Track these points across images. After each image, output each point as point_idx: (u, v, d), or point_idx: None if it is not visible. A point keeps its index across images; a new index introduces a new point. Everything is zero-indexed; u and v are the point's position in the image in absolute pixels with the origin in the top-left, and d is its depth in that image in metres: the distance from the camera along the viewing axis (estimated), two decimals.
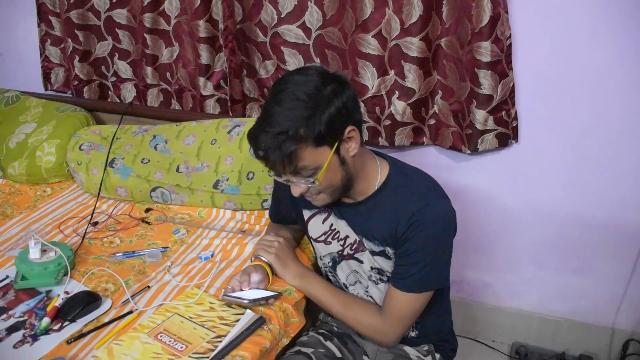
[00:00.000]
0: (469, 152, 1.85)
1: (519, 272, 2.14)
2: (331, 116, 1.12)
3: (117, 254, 1.57)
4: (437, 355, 1.43)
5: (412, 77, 1.80)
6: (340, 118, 1.14)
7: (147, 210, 1.83)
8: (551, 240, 2.03)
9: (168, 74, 2.16)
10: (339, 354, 1.41)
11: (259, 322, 1.27)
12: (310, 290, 1.38)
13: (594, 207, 1.92)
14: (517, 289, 2.18)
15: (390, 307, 1.30)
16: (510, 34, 1.70)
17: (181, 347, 1.20)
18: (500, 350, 2.23)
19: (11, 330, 1.27)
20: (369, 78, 1.83)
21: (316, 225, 1.42)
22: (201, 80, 2.02)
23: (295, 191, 1.21)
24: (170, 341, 1.22)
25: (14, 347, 1.22)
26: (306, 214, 1.43)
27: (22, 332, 1.26)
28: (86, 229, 1.67)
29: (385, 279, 1.34)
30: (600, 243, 1.97)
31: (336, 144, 1.16)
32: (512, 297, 2.20)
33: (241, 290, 1.33)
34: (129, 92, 2.27)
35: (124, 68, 2.24)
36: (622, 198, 1.87)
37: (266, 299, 1.32)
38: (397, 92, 1.84)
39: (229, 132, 1.80)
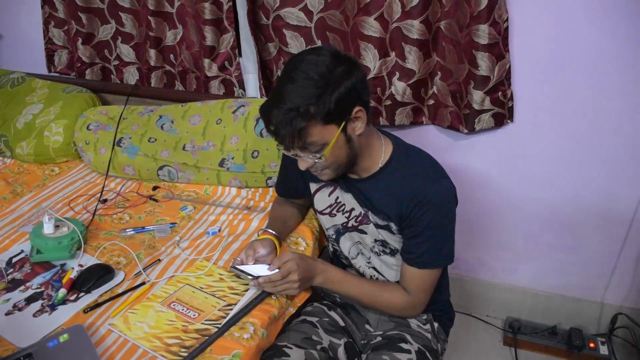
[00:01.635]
0: (466, 131, 1.91)
1: (513, 249, 2.20)
2: (340, 96, 1.18)
3: (127, 230, 1.62)
4: (436, 324, 1.50)
5: (412, 59, 1.85)
6: (349, 98, 1.19)
7: (155, 188, 1.89)
8: (545, 218, 2.09)
9: (172, 56, 2.19)
10: (342, 323, 1.47)
11: (267, 292, 1.33)
12: (335, 288, 1.41)
13: (587, 186, 1.98)
14: (511, 266, 2.24)
15: (413, 285, 1.38)
16: (507, 17, 1.74)
17: (194, 315, 1.26)
18: (494, 325, 2.30)
19: (30, 300, 1.33)
20: (371, 60, 1.87)
21: (322, 198, 1.47)
22: (206, 61, 2.06)
23: (302, 165, 1.27)
24: (183, 309, 1.28)
25: (34, 316, 1.28)
26: (313, 187, 1.49)
27: (40, 302, 1.32)
28: (96, 206, 1.73)
29: (388, 251, 1.41)
30: (592, 221, 2.03)
31: (343, 123, 1.21)
32: (507, 273, 2.27)
33: (248, 264, 1.38)
34: (131, 76, 2.31)
35: (126, 52, 2.27)
36: (614, 177, 1.93)
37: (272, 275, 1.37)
38: (397, 73, 1.89)
39: (234, 112, 1.85)
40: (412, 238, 1.32)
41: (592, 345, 2.10)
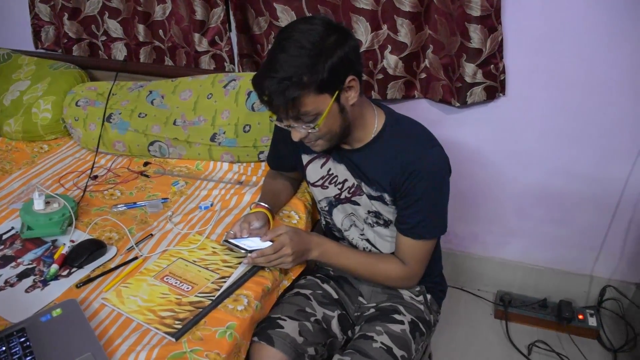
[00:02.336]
0: (458, 104, 1.90)
1: (504, 223, 2.22)
2: (333, 65, 1.16)
3: (119, 206, 1.61)
4: (429, 296, 1.51)
5: (404, 32, 1.84)
6: (342, 67, 1.18)
7: (146, 164, 1.87)
8: (536, 192, 2.10)
9: (161, 31, 2.16)
10: (335, 295, 1.48)
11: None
12: (331, 262, 1.41)
13: (578, 159, 1.99)
14: (503, 240, 2.26)
15: (409, 255, 1.38)
16: None
17: (187, 288, 1.26)
18: (485, 298, 2.33)
19: (21, 276, 1.32)
20: (362, 33, 1.86)
21: (314, 170, 1.47)
22: (196, 36, 2.04)
23: (296, 136, 1.26)
24: (176, 283, 1.28)
25: (26, 291, 1.27)
26: (305, 158, 1.48)
27: (32, 277, 1.32)
28: (87, 182, 1.71)
29: (381, 222, 1.41)
30: (582, 194, 2.05)
31: (337, 93, 1.21)
32: (498, 247, 2.29)
33: (241, 237, 1.38)
34: (119, 52, 2.28)
35: (114, 27, 2.24)
36: (605, 151, 1.94)
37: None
38: (389, 47, 1.88)
39: (224, 87, 1.83)
40: (406, 208, 1.32)
41: (581, 317, 2.13)
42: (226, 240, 1.36)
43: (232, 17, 2.01)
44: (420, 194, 1.29)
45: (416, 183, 1.28)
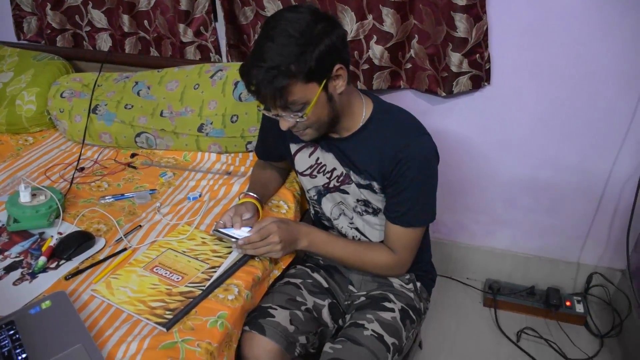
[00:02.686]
0: (444, 94, 1.91)
1: (492, 213, 2.23)
2: (321, 54, 1.16)
3: (106, 197, 1.60)
4: (418, 284, 1.52)
5: (389, 22, 1.83)
6: (330, 56, 1.18)
7: (133, 155, 1.86)
8: (524, 181, 2.12)
9: (146, 21, 2.14)
10: (325, 285, 1.49)
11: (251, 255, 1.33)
12: (320, 251, 1.41)
13: (563, 149, 2.00)
14: (491, 229, 2.28)
15: (398, 243, 1.38)
16: None
17: (177, 278, 1.26)
18: (474, 287, 2.35)
19: (9, 269, 1.31)
20: (348, 22, 1.85)
21: (303, 159, 1.47)
22: (181, 27, 2.02)
23: (284, 125, 1.26)
24: (166, 273, 1.27)
25: (14, 284, 1.26)
26: (293, 148, 1.48)
27: (19, 270, 1.30)
28: (73, 174, 1.70)
29: (370, 210, 1.41)
30: (568, 184, 2.07)
31: (324, 81, 1.20)
32: (486, 236, 2.30)
33: (232, 227, 1.38)
34: (104, 42, 2.25)
35: (98, 17, 2.21)
36: (590, 141, 1.96)
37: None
38: (375, 37, 1.87)
39: (211, 77, 1.82)
40: (395, 196, 1.33)
41: (568, 304, 2.16)
42: (216, 230, 1.36)
43: (218, 7, 2.00)
44: (408, 182, 1.30)
45: (405, 171, 1.28)
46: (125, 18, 2.12)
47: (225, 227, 1.36)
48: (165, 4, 2.05)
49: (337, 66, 1.21)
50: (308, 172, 1.46)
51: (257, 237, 1.28)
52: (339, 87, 1.24)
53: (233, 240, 1.32)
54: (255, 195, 1.45)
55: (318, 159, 1.43)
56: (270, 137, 1.54)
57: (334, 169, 1.41)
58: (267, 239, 1.29)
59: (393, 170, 1.30)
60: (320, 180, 1.45)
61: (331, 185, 1.43)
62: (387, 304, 1.40)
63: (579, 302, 2.17)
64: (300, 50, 1.14)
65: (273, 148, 1.56)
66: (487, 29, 1.81)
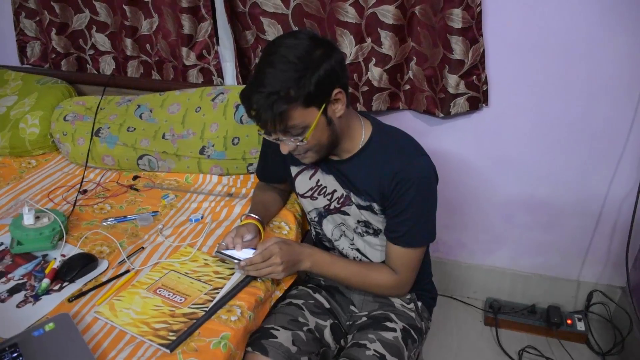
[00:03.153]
0: (442, 115, 1.93)
1: (491, 231, 2.24)
2: (320, 78, 1.19)
3: (109, 219, 1.61)
4: (419, 303, 1.52)
5: (388, 44, 1.87)
6: (329, 80, 1.21)
7: (135, 177, 1.87)
8: (522, 199, 2.13)
9: (148, 45, 2.17)
10: (327, 305, 1.49)
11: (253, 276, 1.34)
12: (323, 272, 1.42)
13: (561, 167, 2.02)
14: (490, 247, 2.29)
15: (399, 264, 1.40)
16: (480, 2, 1.76)
17: (180, 300, 1.27)
18: (475, 306, 2.35)
19: (12, 291, 1.31)
20: (347, 45, 1.88)
21: (303, 182, 1.48)
22: (184, 50, 2.05)
23: (284, 149, 1.28)
24: (169, 295, 1.28)
25: (17, 306, 1.26)
26: (294, 170, 1.50)
27: (23, 293, 1.31)
28: (76, 197, 1.71)
29: (371, 231, 1.43)
30: (567, 201, 2.08)
31: (324, 105, 1.23)
32: (486, 255, 2.31)
33: (234, 248, 1.39)
34: (107, 65, 2.29)
35: (102, 41, 2.25)
36: (587, 157, 1.98)
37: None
38: (373, 59, 1.91)
39: (213, 100, 1.85)
40: (395, 217, 1.34)
41: (569, 322, 2.16)
42: (218, 252, 1.37)
43: (221, 31, 2.03)
44: (408, 202, 1.31)
45: (404, 192, 1.30)
46: (128, 42, 2.16)
47: (227, 249, 1.37)
48: (167, 28, 2.08)
49: (336, 90, 1.23)
50: (309, 194, 1.48)
51: (259, 259, 1.30)
52: (338, 111, 1.27)
53: (235, 261, 1.33)
54: (256, 217, 1.47)
55: (318, 181, 1.45)
56: (271, 160, 1.56)
57: (335, 190, 1.42)
58: (269, 260, 1.30)
59: (393, 191, 1.32)
60: (321, 202, 1.46)
61: (332, 207, 1.45)
62: (388, 324, 1.41)
63: (580, 320, 2.17)
64: (299, 75, 1.17)
65: (274, 170, 1.58)
66: (483, 50, 1.84)
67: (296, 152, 1.31)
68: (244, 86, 1.87)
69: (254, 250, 1.36)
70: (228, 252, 1.36)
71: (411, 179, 1.30)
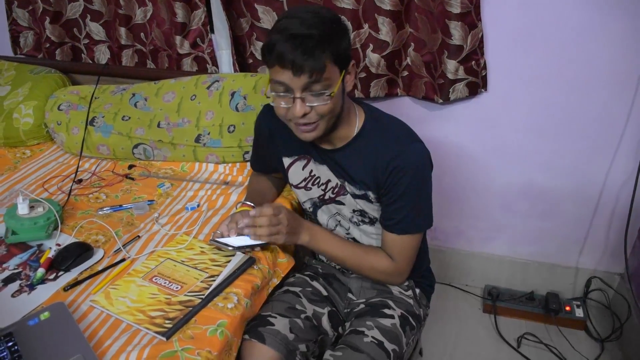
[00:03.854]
0: (441, 101, 1.92)
1: (490, 218, 2.24)
2: (347, 43, 1.22)
3: (105, 208, 1.60)
4: (417, 290, 1.52)
5: (385, 30, 1.85)
6: (349, 48, 1.24)
7: (130, 167, 1.86)
8: (520, 187, 2.12)
9: (142, 34, 2.15)
10: (325, 292, 1.49)
11: (250, 262, 1.33)
12: (320, 248, 1.41)
13: (559, 154, 2.01)
14: (489, 235, 2.28)
15: (395, 251, 1.38)
16: None
17: (176, 287, 1.26)
18: (473, 293, 2.35)
19: (7, 281, 1.30)
20: (348, 36, 1.86)
21: (296, 172, 1.47)
22: (177, 39, 2.03)
23: (300, 109, 1.21)
24: (165, 283, 1.27)
25: (12, 296, 1.25)
26: (286, 161, 1.48)
27: (18, 282, 1.30)
28: (71, 186, 1.70)
29: (367, 220, 1.41)
30: (565, 188, 2.08)
31: (344, 72, 1.23)
32: (484, 242, 2.31)
33: (229, 236, 1.38)
34: (102, 54, 2.27)
35: (96, 30, 2.23)
36: (585, 144, 1.97)
37: (252, 247, 1.38)
38: (371, 45, 1.89)
39: (208, 88, 1.83)
40: (390, 204, 1.33)
41: (568, 308, 2.16)
42: (213, 240, 1.36)
43: (215, 18, 2.01)
44: (403, 189, 1.30)
45: (399, 178, 1.29)
46: (122, 31, 2.14)
47: (222, 237, 1.36)
48: (161, 17, 2.06)
49: (352, 62, 1.25)
50: (302, 184, 1.47)
51: (269, 211, 1.29)
52: (349, 84, 1.27)
53: (230, 248, 1.32)
54: (252, 204, 1.46)
55: (312, 171, 1.43)
56: (263, 151, 1.55)
57: (329, 180, 1.41)
58: (277, 217, 1.30)
59: (387, 179, 1.30)
60: (315, 192, 1.45)
61: (326, 197, 1.44)
62: (386, 311, 1.40)
63: (578, 306, 2.17)
64: (332, 32, 1.18)
65: (267, 161, 1.57)
66: (482, 36, 1.82)
67: (307, 119, 1.24)
68: (239, 74, 1.89)
69: (248, 237, 1.35)
70: (223, 240, 1.35)
71: (406, 166, 1.28)
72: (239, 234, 1.37)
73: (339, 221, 1.47)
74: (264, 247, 1.40)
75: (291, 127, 1.29)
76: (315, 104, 1.21)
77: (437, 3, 1.77)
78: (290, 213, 1.34)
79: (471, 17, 1.77)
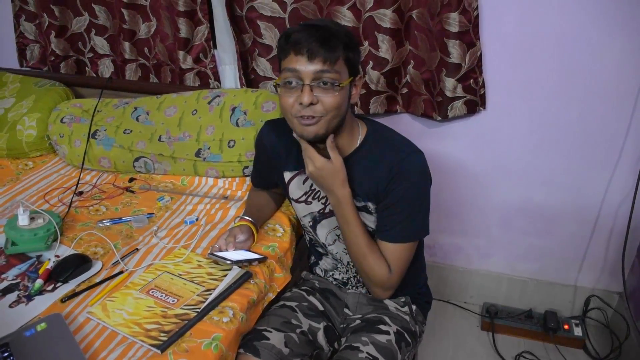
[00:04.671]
0: (439, 118, 1.93)
1: (488, 235, 2.24)
2: (357, 54, 1.28)
3: (104, 221, 1.61)
4: (414, 307, 1.52)
5: (385, 48, 1.87)
6: (359, 62, 1.30)
7: (131, 180, 1.88)
8: (519, 204, 2.13)
9: (146, 48, 2.18)
10: (321, 307, 1.49)
11: (246, 277, 1.34)
12: (340, 218, 1.36)
13: (558, 171, 2.02)
14: (487, 252, 2.28)
15: (389, 262, 1.36)
16: (477, 5, 1.77)
17: (173, 301, 1.26)
18: (472, 311, 2.34)
19: (5, 292, 1.31)
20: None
21: (297, 186, 1.48)
22: (181, 53, 2.06)
23: (308, 97, 1.22)
24: (162, 296, 1.28)
25: (10, 306, 1.26)
26: (287, 175, 1.49)
27: (16, 293, 1.31)
28: (72, 198, 1.71)
29: None
30: (563, 205, 2.08)
31: (351, 78, 1.27)
32: (482, 259, 2.31)
33: (227, 250, 1.39)
34: (106, 68, 2.29)
35: (100, 44, 2.26)
36: (584, 162, 1.98)
37: (249, 261, 1.39)
38: (371, 62, 1.91)
39: (209, 103, 1.85)
40: (384, 210, 1.34)
41: (566, 327, 2.15)
42: (211, 254, 1.37)
43: (219, 33, 2.03)
44: (399, 197, 1.31)
45: (398, 184, 1.31)
46: (126, 45, 2.17)
47: (220, 251, 1.37)
48: (165, 32, 2.09)
49: (360, 75, 1.30)
50: (303, 198, 1.48)
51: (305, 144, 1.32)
52: (355, 97, 1.31)
53: (228, 262, 1.34)
54: (250, 219, 1.47)
55: (312, 185, 1.45)
56: (264, 166, 1.56)
57: None
58: (310, 154, 1.32)
59: (388, 185, 1.32)
60: (316, 206, 1.46)
61: (327, 210, 1.45)
62: (382, 327, 1.40)
63: (577, 325, 2.17)
64: (347, 36, 1.25)
65: (267, 176, 1.58)
66: (480, 54, 1.84)
67: (312, 112, 1.24)
68: (241, 89, 1.91)
69: (246, 251, 1.36)
70: (221, 254, 1.36)
71: (405, 174, 1.30)
72: (237, 249, 1.39)
73: (338, 235, 1.48)
74: (261, 261, 1.41)
75: (293, 125, 1.29)
76: (322, 96, 1.23)
77: (436, 22, 1.79)
78: (328, 167, 1.30)
79: (469, 36, 1.79)
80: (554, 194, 2.07)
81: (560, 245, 2.16)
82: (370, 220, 1.40)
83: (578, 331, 2.14)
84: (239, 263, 1.37)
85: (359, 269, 1.43)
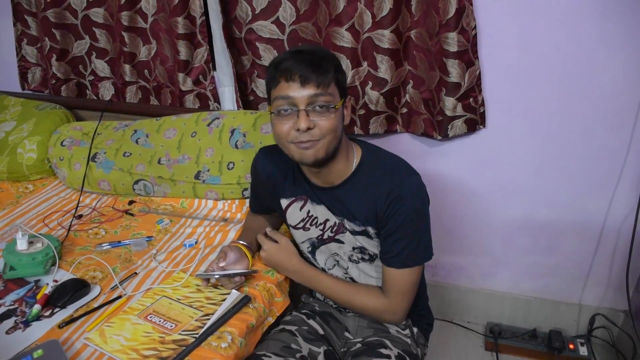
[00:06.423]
0: (439, 138, 1.93)
1: (490, 254, 2.22)
2: (344, 77, 1.30)
3: (103, 244, 1.61)
4: (415, 329, 1.50)
5: (384, 68, 1.88)
6: (346, 84, 1.31)
7: (130, 202, 1.88)
8: (520, 222, 2.11)
9: (146, 71, 2.19)
10: (321, 331, 1.47)
11: (245, 301, 1.33)
12: (312, 284, 1.46)
13: (559, 189, 2.01)
14: (490, 271, 2.26)
15: (390, 286, 1.37)
16: (475, 25, 1.78)
17: (171, 326, 1.25)
18: (475, 331, 2.32)
19: (2, 317, 1.31)
20: (344, 69, 1.89)
21: (294, 213, 1.48)
22: (180, 76, 2.07)
23: (304, 122, 1.22)
24: (160, 321, 1.27)
25: (7, 333, 1.25)
26: (284, 202, 1.49)
27: (13, 319, 1.30)
28: (71, 222, 1.71)
29: (366, 257, 1.41)
30: (566, 223, 2.06)
31: (343, 100, 1.28)
32: (485, 278, 2.29)
33: (214, 270, 1.39)
34: (107, 90, 2.31)
35: (101, 66, 2.27)
36: (586, 179, 1.96)
37: (238, 274, 1.38)
38: (370, 83, 1.91)
39: (208, 125, 1.86)
40: (388, 237, 1.33)
41: (571, 346, 2.12)
42: (199, 274, 1.39)
43: (219, 55, 2.04)
44: (401, 221, 1.30)
45: (397, 210, 1.29)
46: (127, 67, 2.18)
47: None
48: (165, 54, 2.11)
49: (349, 97, 1.32)
50: (301, 225, 1.47)
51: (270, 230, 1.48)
52: (346, 117, 1.32)
53: (216, 276, 1.36)
54: (243, 243, 1.47)
55: (309, 212, 1.44)
56: (261, 193, 1.57)
57: (327, 220, 1.41)
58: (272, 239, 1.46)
59: (386, 210, 1.30)
60: (314, 232, 1.46)
61: (325, 236, 1.44)
62: (383, 351, 1.38)
63: (582, 344, 2.14)
64: (335, 60, 1.28)
65: (265, 202, 1.58)
66: (479, 73, 1.84)
67: (309, 136, 1.24)
68: (240, 111, 1.92)
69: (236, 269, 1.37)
70: (208, 273, 1.37)
71: (404, 197, 1.29)
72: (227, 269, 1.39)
73: (338, 261, 1.47)
74: (251, 274, 1.42)
75: (290, 151, 1.29)
76: (318, 119, 1.23)
77: (434, 42, 1.79)
78: (284, 250, 1.45)
79: (468, 55, 1.80)
80: (556, 212, 2.06)
81: (563, 263, 2.14)
82: (371, 244, 1.39)
83: (584, 350, 2.11)
84: (227, 276, 1.36)
85: (353, 311, 1.48)
